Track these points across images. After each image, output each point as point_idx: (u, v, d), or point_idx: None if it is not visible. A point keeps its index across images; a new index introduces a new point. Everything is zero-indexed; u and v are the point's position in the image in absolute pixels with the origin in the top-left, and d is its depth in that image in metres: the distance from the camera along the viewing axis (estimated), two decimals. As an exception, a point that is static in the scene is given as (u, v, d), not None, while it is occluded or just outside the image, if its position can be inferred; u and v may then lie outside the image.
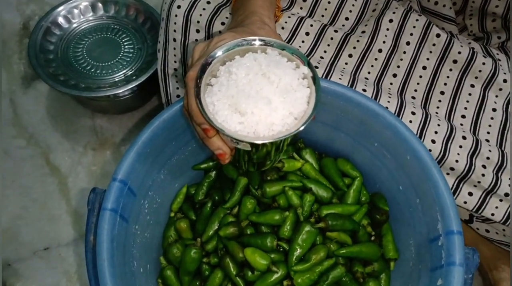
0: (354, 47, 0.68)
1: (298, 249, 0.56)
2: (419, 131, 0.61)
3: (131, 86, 0.78)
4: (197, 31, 0.65)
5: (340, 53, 0.68)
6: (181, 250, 0.61)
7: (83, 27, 0.86)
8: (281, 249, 0.59)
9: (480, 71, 0.68)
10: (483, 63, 0.68)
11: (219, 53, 0.48)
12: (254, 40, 0.49)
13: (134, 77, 0.80)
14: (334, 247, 0.58)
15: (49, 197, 0.86)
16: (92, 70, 0.83)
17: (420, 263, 0.54)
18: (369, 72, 0.68)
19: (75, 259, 0.81)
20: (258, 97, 0.45)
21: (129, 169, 0.51)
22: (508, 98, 0.68)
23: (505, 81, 0.68)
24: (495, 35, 0.75)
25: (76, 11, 0.85)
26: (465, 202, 0.63)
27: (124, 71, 0.83)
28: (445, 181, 0.51)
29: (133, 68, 0.83)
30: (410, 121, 0.62)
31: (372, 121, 0.56)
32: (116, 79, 0.82)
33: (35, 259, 0.81)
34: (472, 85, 0.68)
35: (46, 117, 0.94)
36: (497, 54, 0.71)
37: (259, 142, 0.45)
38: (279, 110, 0.46)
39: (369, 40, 0.68)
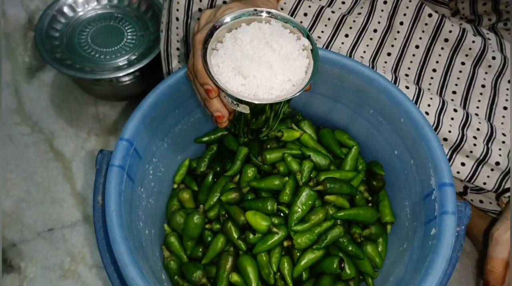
0: (351, 27, 0.71)
1: (298, 211, 0.58)
2: None
3: (133, 70, 0.81)
4: (199, 9, 0.68)
5: (337, 33, 0.71)
6: (184, 217, 0.63)
7: (87, 15, 0.89)
8: (281, 214, 0.61)
9: (470, 49, 0.71)
10: (473, 41, 0.71)
11: (227, 19, 0.51)
12: (261, 11, 0.52)
13: (136, 62, 0.83)
14: (332, 210, 0.60)
15: (53, 181, 0.88)
16: (96, 55, 0.86)
17: (415, 220, 0.56)
18: (364, 51, 0.71)
19: (79, 239, 0.83)
20: (260, 62, 0.48)
21: (135, 130, 0.53)
22: (496, 74, 0.71)
23: (493, 58, 0.71)
24: (486, 17, 0.79)
25: (80, 0, 0.88)
26: (458, 172, 0.65)
27: (127, 56, 0.85)
28: (437, 138, 0.53)
29: (135, 53, 0.86)
30: (412, 101, 0.64)
31: (367, 87, 0.58)
32: (120, 64, 0.85)
33: (39, 240, 0.83)
34: (463, 63, 0.72)
35: (49, 105, 0.96)
36: (487, 33, 0.75)
37: (259, 102, 0.48)
38: (279, 76, 0.49)
39: (364, 21, 0.71)
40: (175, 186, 0.68)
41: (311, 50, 0.51)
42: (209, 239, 0.62)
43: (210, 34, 0.51)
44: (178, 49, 0.73)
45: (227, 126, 0.54)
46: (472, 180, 0.65)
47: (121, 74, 0.81)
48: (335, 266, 0.57)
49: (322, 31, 0.71)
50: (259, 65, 0.48)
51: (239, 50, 0.49)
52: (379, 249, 0.62)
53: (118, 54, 0.86)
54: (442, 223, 0.48)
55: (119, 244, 0.46)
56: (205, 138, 0.68)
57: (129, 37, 0.88)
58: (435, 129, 0.64)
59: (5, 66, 1.01)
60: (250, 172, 0.63)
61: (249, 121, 0.54)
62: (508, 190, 0.64)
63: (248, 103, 0.48)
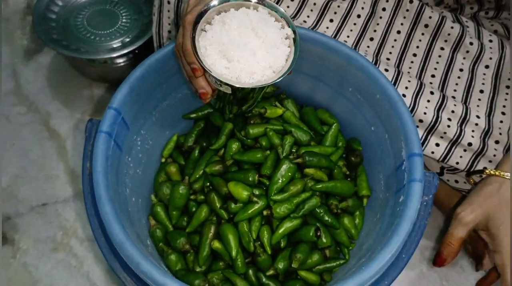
0: (335, 13, 0.74)
1: (277, 182, 0.61)
2: None
3: (126, 51, 0.84)
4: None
5: (322, 18, 0.74)
6: (170, 188, 0.66)
7: (83, -1, 0.92)
8: (263, 186, 0.64)
9: (449, 34, 0.74)
10: (452, 27, 0.74)
11: (215, 2, 0.54)
12: None
13: (129, 44, 0.86)
14: (311, 183, 0.63)
15: (48, 159, 0.91)
16: (92, 37, 0.89)
17: (388, 191, 0.59)
18: (348, 36, 0.74)
19: (71, 214, 0.85)
20: (245, 48, 0.52)
21: (123, 100, 0.56)
22: (474, 59, 0.74)
23: (471, 44, 0.74)
24: (468, 6, 0.81)
25: (77, -16, 0.91)
26: (432, 152, 0.68)
27: (121, 39, 0.88)
28: (408, 113, 0.56)
29: (129, 36, 0.89)
30: (387, 78, 0.67)
31: (346, 65, 0.61)
32: (114, 46, 0.87)
33: (33, 214, 0.85)
34: (442, 48, 0.74)
35: (46, 87, 0.99)
36: (466, 21, 0.77)
37: (240, 86, 0.52)
38: (261, 63, 0.52)
39: (348, 6, 0.74)
40: (163, 160, 0.71)
41: (294, 39, 0.55)
42: (194, 209, 0.65)
43: (200, 16, 0.54)
44: (169, 31, 0.76)
45: (211, 103, 0.58)
46: (446, 160, 0.68)
47: (114, 55, 0.84)
48: (311, 234, 0.60)
49: (308, 16, 0.73)
50: (244, 51, 0.52)
51: (226, 35, 0.52)
52: (356, 222, 0.65)
53: (112, 37, 0.89)
54: (409, 190, 0.51)
55: (104, 203, 0.49)
56: (193, 115, 0.71)
57: (123, 20, 0.91)
58: (412, 110, 0.66)
59: (3, 49, 1.04)
60: (234, 146, 0.66)
61: (231, 100, 0.57)
62: (478, 171, 0.67)
63: (230, 85, 0.52)
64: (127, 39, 0.88)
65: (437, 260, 0.64)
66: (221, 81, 0.52)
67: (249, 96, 0.58)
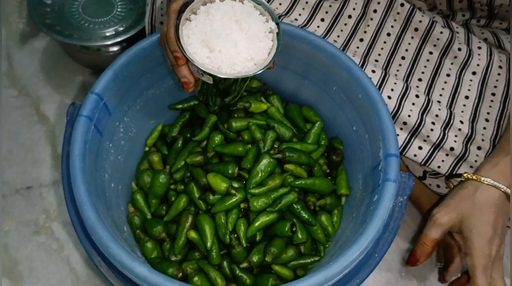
0: (327, 12, 0.74)
1: (256, 176, 0.61)
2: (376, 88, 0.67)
3: (119, 39, 0.84)
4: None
5: (313, 17, 0.74)
6: (151, 176, 0.66)
7: (80, -14, 0.92)
8: (243, 180, 0.64)
9: (438, 39, 0.74)
10: (441, 32, 0.74)
11: None
12: None
13: (122, 33, 0.86)
14: (290, 179, 0.63)
15: (35, 142, 0.91)
16: (86, 24, 0.89)
17: (365, 190, 0.59)
18: (338, 36, 0.74)
19: (55, 199, 0.86)
20: (227, 39, 0.52)
21: (106, 86, 0.56)
22: (461, 65, 0.74)
23: (459, 49, 0.74)
24: (460, 13, 0.82)
25: (74, -29, 0.92)
26: (415, 155, 0.68)
27: (115, 27, 0.89)
28: (388, 113, 0.56)
29: (123, 25, 0.89)
30: (370, 79, 0.68)
31: (331, 63, 0.61)
32: (107, 34, 0.88)
33: (17, 196, 0.86)
34: (431, 53, 0.75)
35: (39, 71, 1.00)
36: (456, 27, 0.78)
37: (221, 76, 0.52)
38: (243, 54, 0.53)
39: (340, 6, 0.75)
40: (147, 148, 0.71)
41: (277, 33, 0.55)
42: (173, 198, 0.66)
43: (185, 5, 0.54)
44: (161, 23, 0.77)
45: (194, 93, 0.58)
46: (428, 163, 0.69)
47: (107, 43, 0.85)
48: (287, 229, 0.60)
49: (300, 14, 0.74)
50: (226, 42, 0.52)
51: (210, 25, 0.53)
52: (334, 220, 0.65)
53: (106, 25, 0.89)
54: (383, 189, 0.52)
55: (79, 185, 0.49)
56: (179, 106, 0.72)
57: (118, 9, 0.91)
58: (396, 113, 0.67)
59: (-1, 31, 1.04)
60: (217, 138, 0.66)
61: (214, 92, 0.57)
62: (457, 175, 0.67)
63: (212, 75, 0.53)
64: (121, 28, 0.89)
65: (410, 260, 0.64)
66: (203, 71, 0.52)
67: (232, 89, 0.58)
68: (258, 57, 0.54)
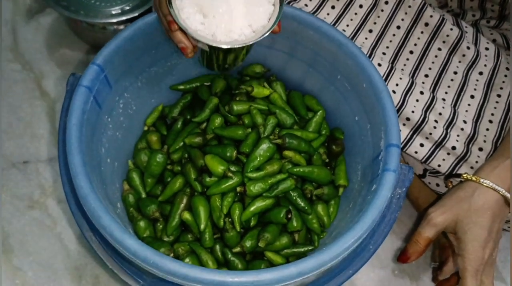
0: (338, 0, 0.73)
1: (255, 160, 0.61)
2: None
3: (125, 18, 0.84)
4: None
5: (323, 4, 0.73)
6: (148, 155, 0.65)
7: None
8: (241, 164, 0.63)
9: (447, 36, 0.73)
10: (451, 29, 0.73)
11: None
12: None
13: (129, 11, 0.86)
14: (288, 166, 0.63)
15: (35, 118, 0.91)
16: (92, 1, 0.89)
17: (363, 181, 0.58)
18: (347, 25, 0.73)
19: (52, 175, 0.85)
20: (222, 3, 0.48)
21: (107, 58, 0.56)
22: (469, 64, 0.73)
23: (468, 48, 0.73)
24: (470, 13, 0.81)
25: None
26: (416, 152, 0.68)
27: (121, 6, 0.89)
28: (392, 104, 0.55)
29: (130, 4, 0.89)
30: (376, 68, 0.67)
31: (337, 50, 0.60)
32: (114, 12, 0.88)
33: (13, 170, 0.85)
34: (439, 49, 0.74)
35: (43, 47, 0.99)
36: (466, 27, 0.77)
37: (213, 45, 0.49)
38: (239, 20, 0.49)
39: None
40: (146, 128, 0.71)
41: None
42: (169, 179, 0.65)
43: None
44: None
45: (198, 59, 0.56)
46: (428, 161, 0.68)
47: (113, 21, 0.84)
48: (282, 215, 0.59)
49: (310, 0, 0.73)
50: (221, 6, 0.48)
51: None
52: (330, 210, 0.64)
53: (113, 3, 0.89)
54: (382, 179, 0.51)
55: (74, 155, 0.49)
56: (181, 87, 0.71)
57: (126, -12, 0.91)
58: (400, 108, 0.66)
59: (6, 5, 1.04)
60: (217, 120, 0.65)
61: (211, 57, 0.55)
62: (456, 175, 0.67)
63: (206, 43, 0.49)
64: (127, 7, 0.88)
65: (401, 257, 0.64)
66: (194, 38, 0.49)
67: (229, 57, 0.54)
68: (257, 24, 0.50)
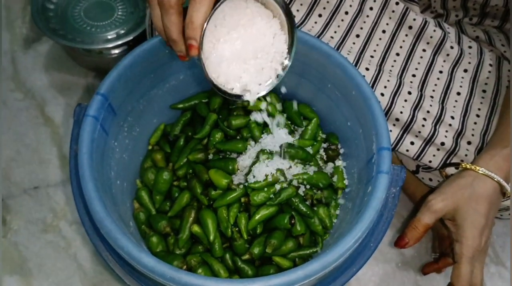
0: (324, 8, 0.76)
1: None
2: (370, 85, 0.69)
3: (121, 42, 0.87)
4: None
5: (311, 13, 0.76)
6: (155, 173, 0.69)
7: (81, -9, 0.95)
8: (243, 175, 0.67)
9: (431, 37, 0.77)
10: (434, 31, 0.77)
11: None
12: None
13: (124, 36, 0.89)
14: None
15: (41, 143, 0.94)
16: (88, 28, 0.92)
17: (360, 183, 0.62)
18: (335, 32, 0.76)
19: (62, 198, 0.88)
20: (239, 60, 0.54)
21: (110, 86, 0.59)
22: (453, 63, 0.77)
23: (452, 47, 0.77)
24: (454, 13, 0.84)
25: (75, -22, 0.95)
26: (407, 150, 0.71)
27: (116, 30, 0.92)
28: (380, 108, 0.59)
29: (124, 28, 0.92)
30: (364, 76, 0.70)
31: (326, 62, 0.64)
32: (109, 37, 0.91)
33: (25, 196, 0.88)
34: (424, 50, 0.77)
35: (43, 74, 1.02)
36: (448, 28, 0.80)
37: (225, 91, 0.54)
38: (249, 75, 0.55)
39: (337, 3, 0.76)
40: (150, 147, 0.74)
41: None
42: (176, 194, 0.68)
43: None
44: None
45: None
46: (419, 158, 0.71)
47: (109, 46, 0.87)
48: (286, 221, 0.63)
49: (297, 10, 0.75)
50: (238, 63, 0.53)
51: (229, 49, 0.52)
52: (331, 212, 0.68)
53: (108, 28, 0.92)
54: (376, 181, 0.54)
55: (87, 181, 0.52)
56: (180, 105, 0.74)
57: (119, 13, 0.94)
58: (389, 110, 0.69)
59: (4, 36, 1.07)
60: (218, 135, 0.69)
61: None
62: (454, 164, 0.70)
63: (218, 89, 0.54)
64: (122, 31, 0.91)
65: (399, 242, 0.65)
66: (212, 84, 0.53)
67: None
68: (264, 82, 0.57)
